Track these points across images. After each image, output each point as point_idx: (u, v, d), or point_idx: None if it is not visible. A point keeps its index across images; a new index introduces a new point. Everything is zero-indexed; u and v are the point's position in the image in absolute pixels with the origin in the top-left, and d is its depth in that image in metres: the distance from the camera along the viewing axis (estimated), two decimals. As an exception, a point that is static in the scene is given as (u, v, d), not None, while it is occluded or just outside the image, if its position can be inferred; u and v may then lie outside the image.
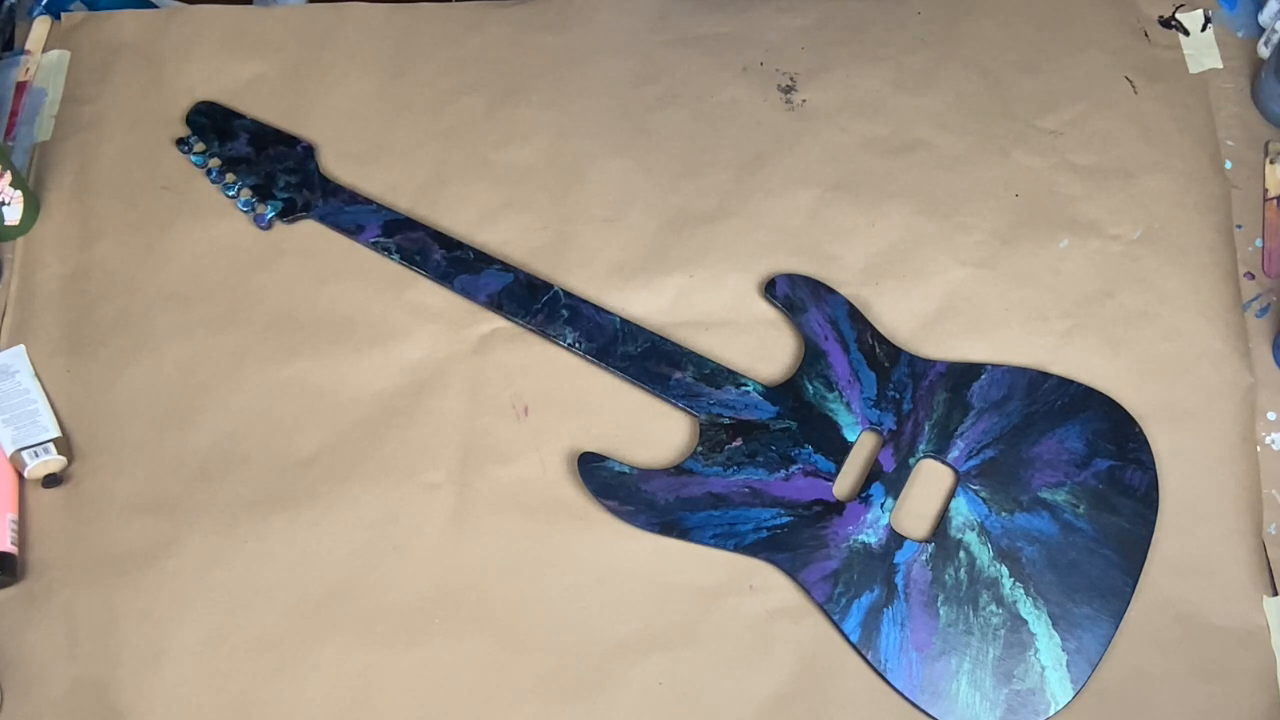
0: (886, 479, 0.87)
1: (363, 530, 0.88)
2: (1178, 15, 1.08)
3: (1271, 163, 1.01)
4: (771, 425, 0.90)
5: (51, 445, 0.90)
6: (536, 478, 0.90)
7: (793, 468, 0.88)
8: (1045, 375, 0.91)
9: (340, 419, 0.92)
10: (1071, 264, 0.97)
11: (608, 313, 0.95)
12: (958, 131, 1.03)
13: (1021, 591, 0.83)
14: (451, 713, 0.82)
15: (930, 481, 0.88)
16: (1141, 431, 0.88)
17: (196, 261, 1.00)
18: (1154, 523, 0.85)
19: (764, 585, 0.85)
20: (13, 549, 0.87)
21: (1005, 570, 0.84)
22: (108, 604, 0.86)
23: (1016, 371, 0.91)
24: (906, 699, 0.81)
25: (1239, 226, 0.99)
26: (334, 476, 0.90)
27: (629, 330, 0.94)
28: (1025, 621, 0.82)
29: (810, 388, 0.91)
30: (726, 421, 0.90)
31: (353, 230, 1.00)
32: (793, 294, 0.95)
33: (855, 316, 0.93)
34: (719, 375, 0.92)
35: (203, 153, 1.04)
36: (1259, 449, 0.90)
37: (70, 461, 0.91)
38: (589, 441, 0.91)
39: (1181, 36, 1.07)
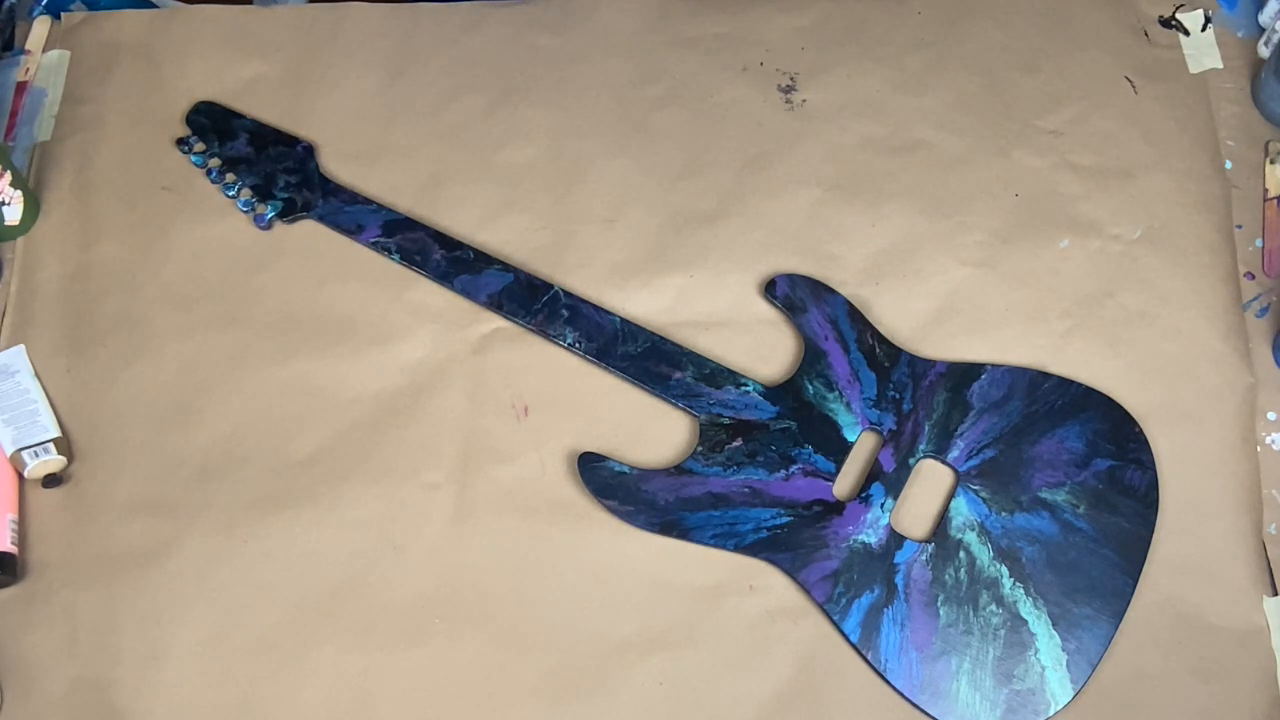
0: (886, 479, 0.87)
1: (363, 530, 0.88)
2: (1178, 15, 1.08)
3: (1271, 163, 1.01)
4: (771, 425, 0.90)
5: (51, 445, 0.90)
6: (536, 478, 0.90)
7: (793, 468, 0.88)
8: (1045, 375, 0.91)
9: (340, 419, 0.92)
10: (1071, 264, 0.97)
11: (608, 313, 0.95)
12: (958, 131, 1.03)
13: (1021, 591, 0.83)
14: (451, 713, 0.82)
15: (930, 481, 0.88)
16: (1141, 431, 0.88)
17: (196, 261, 1.00)
18: (1154, 523, 0.86)
19: (764, 585, 0.85)
20: (13, 549, 0.87)
21: (1005, 570, 0.84)
22: (108, 604, 0.86)
23: (1016, 371, 0.91)
24: (906, 699, 0.81)
25: (1239, 226, 0.99)
26: (334, 476, 0.90)
27: (629, 330, 0.94)
28: (1025, 621, 0.82)
29: (810, 388, 0.91)
30: (726, 421, 0.90)
31: (353, 230, 1.00)
32: (793, 294, 0.95)
33: (855, 316, 0.93)
34: (719, 375, 0.92)
35: (203, 153, 1.04)
36: (1259, 449, 0.90)
37: (70, 461, 0.91)
38: (589, 441, 0.91)
39: (1181, 36, 1.07)
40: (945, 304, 0.95)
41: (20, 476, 0.90)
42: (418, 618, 0.85)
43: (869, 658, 0.82)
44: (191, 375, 0.95)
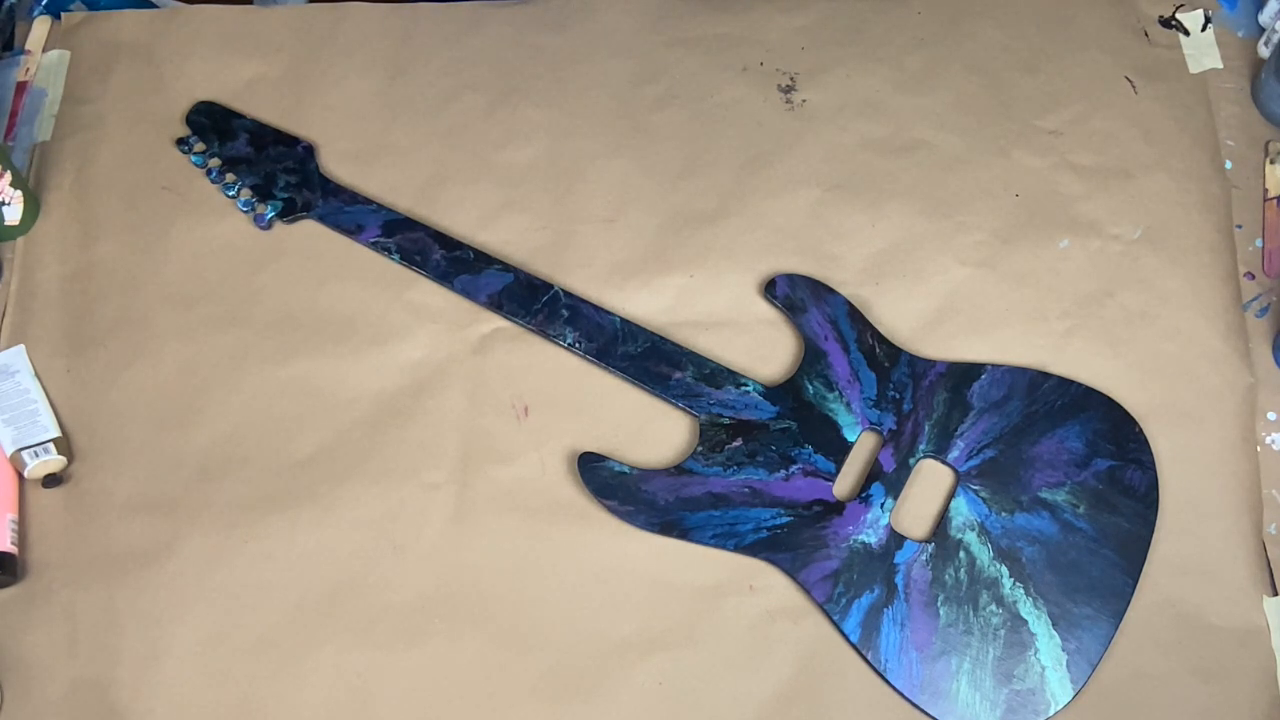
0: (886, 479, 0.87)
1: (363, 530, 0.88)
2: (1178, 15, 1.08)
3: (1271, 163, 1.01)
4: (771, 425, 0.90)
5: (51, 445, 0.90)
6: (536, 478, 0.90)
7: (793, 468, 0.88)
8: (1045, 375, 0.91)
9: (340, 419, 0.92)
10: (1071, 264, 0.97)
11: (608, 313, 0.95)
12: (958, 131, 1.03)
13: (1022, 591, 0.83)
14: (451, 713, 0.82)
15: (930, 481, 0.88)
16: (1141, 431, 0.88)
17: (196, 261, 1.00)
18: (1154, 523, 0.86)
19: (764, 585, 0.85)
20: (13, 549, 0.87)
21: (1005, 570, 0.84)
22: (108, 604, 0.86)
23: (1016, 371, 0.91)
24: (906, 699, 0.81)
25: (1239, 226, 0.99)
26: (334, 476, 0.90)
27: (629, 330, 0.94)
28: (1025, 621, 0.82)
29: (810, 388, 0.91)
30: (726, 421, 0.90)
31: (353, 230, 1.00)
32: (793, 294, 0.95)
33: (855, 316, 0.93)
34: (719, 375, 0.92)
35: (203, 153, 1.04)
36: (1259, 449, 0.90)
37: (70, 461, 0.91)
38: (589, 441, 0.91)
39: (1181, 36, 1.07)
40: (945, 304, 0.95)
41: (20, 476, 0.90)
42: (418, 618, 0.85)
43: (869, 658, 0.82)
44: (191, 375, 0.95)
